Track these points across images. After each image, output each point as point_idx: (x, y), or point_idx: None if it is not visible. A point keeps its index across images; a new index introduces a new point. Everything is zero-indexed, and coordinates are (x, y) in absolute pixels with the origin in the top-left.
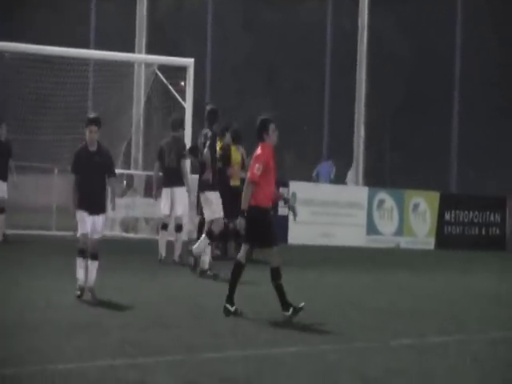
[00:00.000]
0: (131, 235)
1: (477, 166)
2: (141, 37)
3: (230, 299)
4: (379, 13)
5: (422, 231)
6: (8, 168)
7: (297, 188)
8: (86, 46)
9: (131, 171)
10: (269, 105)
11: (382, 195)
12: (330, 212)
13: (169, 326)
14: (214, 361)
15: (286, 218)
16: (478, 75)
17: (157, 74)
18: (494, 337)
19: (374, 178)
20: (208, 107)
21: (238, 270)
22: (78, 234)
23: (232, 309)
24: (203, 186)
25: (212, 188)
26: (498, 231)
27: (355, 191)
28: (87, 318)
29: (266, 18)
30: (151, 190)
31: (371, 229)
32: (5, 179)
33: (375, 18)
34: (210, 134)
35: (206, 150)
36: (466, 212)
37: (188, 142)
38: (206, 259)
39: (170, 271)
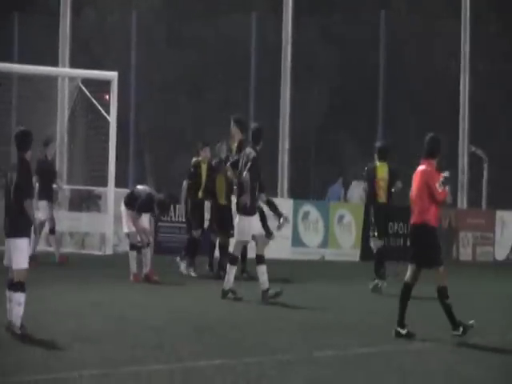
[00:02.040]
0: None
1: (402, 176)
2: (64, 50)
3: (400, 322)
4: (303, 26)
5: (346, 243)
6: (51, 188)
7: None
8: (9, 60)
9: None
10: (194, 120)
11: (307, 207)
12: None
13: (93, 340)
14: (137, 374)
15: None
16: (401, 87)
17: (80, 88)
18: (418, 348)
19: (299, 190)
20: (253, 125)
21: (406, 292)
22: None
23: (403, 331)
24: (239, 209)
25: (247, 213)
26: None
27: (280, 203)
28: (9, 334)
29: (191, 32)
30: (76, 205)
31: (296, 241)
32: (50, 199)
33: (299, 32)
34: (252, 154)
35: (245, 172)
36: (391, 223)
37: (113, 158)
38: (230, 279)
39: (99, 284)
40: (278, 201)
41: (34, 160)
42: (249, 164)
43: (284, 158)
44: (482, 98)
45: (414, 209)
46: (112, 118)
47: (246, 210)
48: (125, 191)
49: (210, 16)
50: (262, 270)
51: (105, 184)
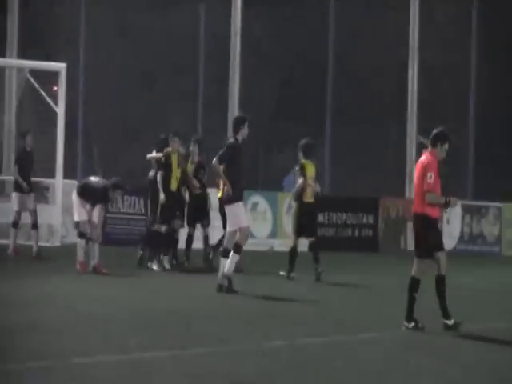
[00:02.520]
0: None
1: (349, 167)
2: (12, 41)
3: (409, 316)
4: (253, 16)
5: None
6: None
7: None
8: None
9: (3, 176)
10: (144, 110)
11: (256, 198)
12: None
13: (39, 331)
14: (83, 366)
15: None
16: (350, 78)
17: (28, 79)
18: (367, 338)
19: (248, 181)
20: (235, 116)
21: (414, 286)
22: None
23: (410, 325)
24: (225, 200)
25: (232, 200)
26: (370, 233)
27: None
28: None
29: (140, 22)
30: None
31: None
32: (29, 191)
33: (249, 22)
34: (229, 141)
35: (215, 158)
36: (339, 214)
37: (61, 149)
38: (231, 268)
39: (46, 275)
40: None
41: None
42: (222, 150)
43: None
44: (431, 88)
45: (415, 199)
46: (60, 110)
47: (230, 198)
48: (73, 182)
49: (159, 6)
50: (235, 259)
51: (53, 175)
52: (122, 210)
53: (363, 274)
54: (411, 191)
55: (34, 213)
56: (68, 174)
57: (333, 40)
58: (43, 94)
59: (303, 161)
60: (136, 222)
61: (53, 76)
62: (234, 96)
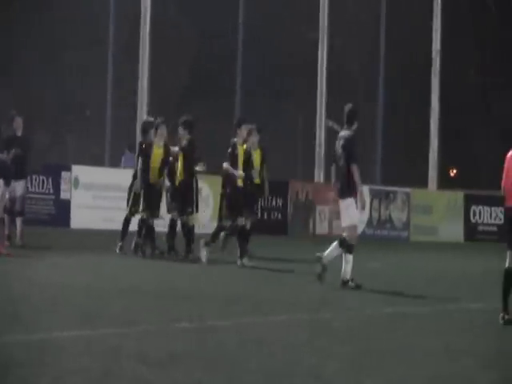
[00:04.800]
0: None
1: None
2: None
3: (504, 308)
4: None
5: (204, 216)
6: (25, 165)
7: (79, 172)
8: None
9: None
10: (52, 84)
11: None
12: (112, 196)
13: None
14: None
15: (68, 202)
16: (261, 59)
17: None
18: (280, 320)
19: None
20: (347, 107)
21: (508, 278)
22: None
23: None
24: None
25: (342, 195)
26: (280, 216)
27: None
28: None
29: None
30: None
31: None
32: (19, 177)
33: (158, 5)
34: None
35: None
36: (270, 198)
37: None
38: (347, 269)
39: None
40: None
41: None
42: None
43: None
44: (340, 72)
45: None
46: None
47: (340, 194)
48: None
49: None
50: (336, 253)
51: None
52: (30, 190)
53: (273, 257)
54: (320, 176)
55: (21, 200)
56: None
57: (243, 20)
58: None
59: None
60: (44, 201)
61: None
62: (144, 76)
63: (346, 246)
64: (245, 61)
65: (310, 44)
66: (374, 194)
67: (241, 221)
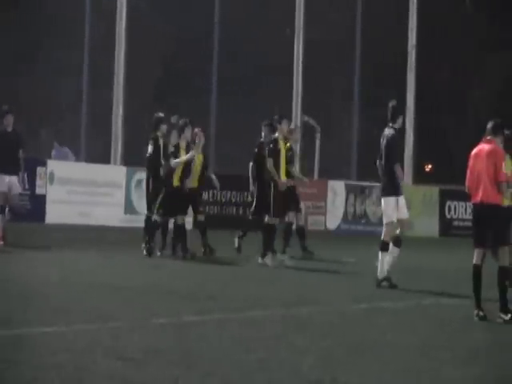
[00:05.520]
0: None
1: (234, 144)
2: None
3: (503, 307)
4: None
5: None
6: (18, 161)
7: (55, 166)
8: None
9: None
10: (31, 83)
11: (141, 175)
12: (87, 191)
13: None
14: None
15: (43, 197)
16: (236, 52)
17: None
18: (255, 315)
19: (133, 158)
20: (391, 103)
21: (477, 275)
22: None
23: (507, 317)
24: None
25: (383, 193)
26: None
27: (114, 170)
28: None
29: None
30: None
31: (129, 208)
32: (11, 173)
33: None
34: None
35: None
36: (224, 192)
37: None
38: (383, 268)
39: None
40: (111, 169)
41: None
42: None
43: (118, 125)
44: (316, 68)
45: (485, 187)
46: None
47: (387, 191)
48: None
49: None
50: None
51: None
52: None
53: (250, 253)
54: (296, 170)
55: (15, 198)
56: None
57: (218, 15)
58: None
59: None
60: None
61: None
62: (120, 71)
63: (382, 246)
64: (220, 59)
65: (285, 43)
66: (349, 190)
67: (291, 217)
